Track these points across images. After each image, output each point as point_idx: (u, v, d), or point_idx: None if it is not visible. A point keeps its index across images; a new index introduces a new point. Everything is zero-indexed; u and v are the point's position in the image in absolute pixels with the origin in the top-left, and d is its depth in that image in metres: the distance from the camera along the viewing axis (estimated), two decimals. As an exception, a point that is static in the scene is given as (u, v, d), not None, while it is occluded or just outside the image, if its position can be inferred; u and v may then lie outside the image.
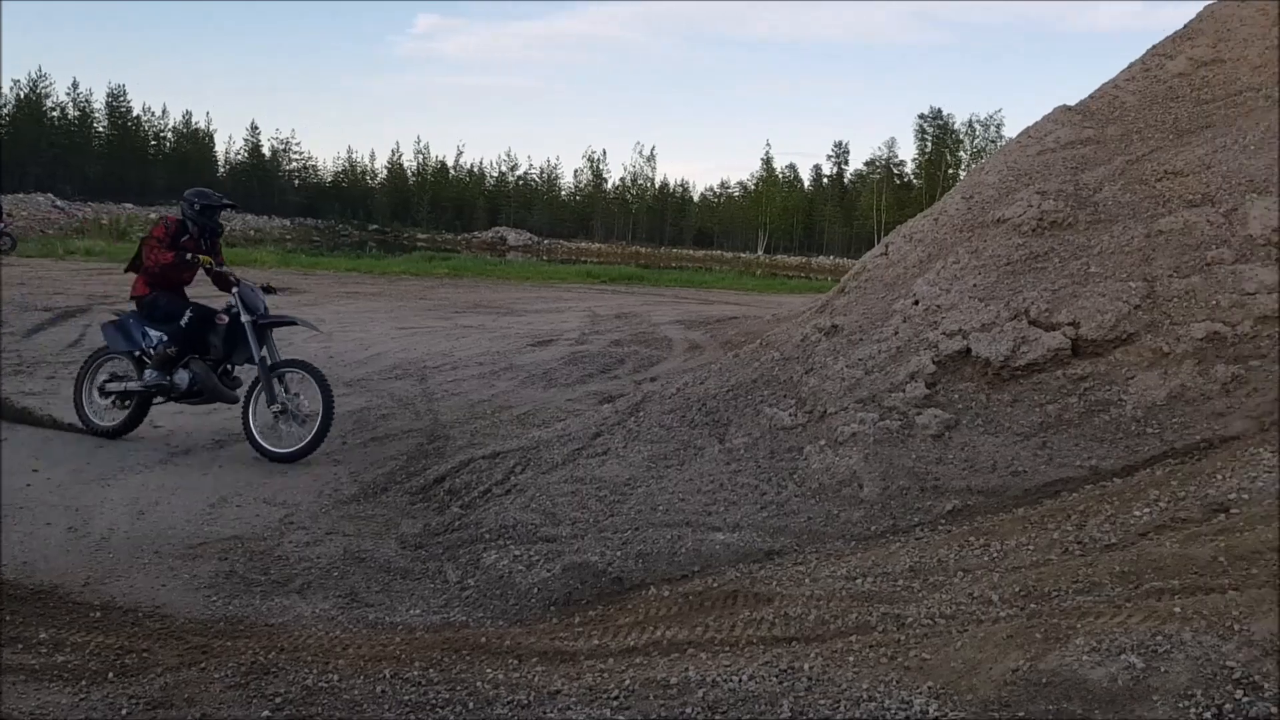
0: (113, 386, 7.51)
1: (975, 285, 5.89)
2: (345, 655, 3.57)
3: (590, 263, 43.71)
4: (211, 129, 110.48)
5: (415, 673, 3.35)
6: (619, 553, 4.66)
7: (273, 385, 7.02)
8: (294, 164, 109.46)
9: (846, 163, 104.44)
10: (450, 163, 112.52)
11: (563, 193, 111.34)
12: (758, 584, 4.10)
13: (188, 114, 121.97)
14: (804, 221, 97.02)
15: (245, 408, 7.11)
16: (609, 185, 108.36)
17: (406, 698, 3.18)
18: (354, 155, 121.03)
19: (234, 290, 7.24)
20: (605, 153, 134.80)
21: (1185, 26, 8.55)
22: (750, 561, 4.46)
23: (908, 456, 4.95)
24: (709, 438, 5.75)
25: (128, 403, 7.42)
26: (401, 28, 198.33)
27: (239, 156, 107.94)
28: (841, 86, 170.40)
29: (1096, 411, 4.90)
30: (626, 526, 4.94)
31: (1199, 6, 8.79)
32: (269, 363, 7.06)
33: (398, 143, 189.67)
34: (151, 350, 7.27)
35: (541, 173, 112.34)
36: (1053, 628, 2.98)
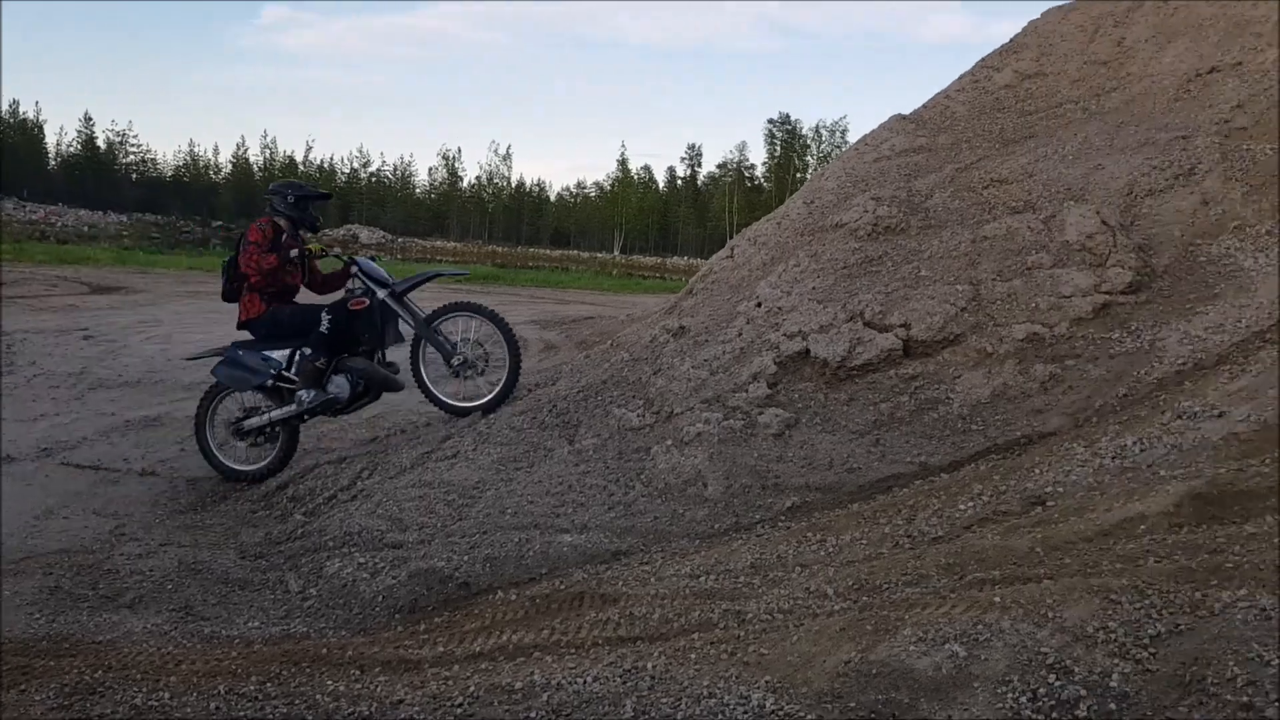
0: (253, 423, 6.79)
1: (814, 288, 6.08)
2: (177, 672, 3.43)
3: (446, 261, 43.18)
4: (41, 119, 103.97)
5: (252, 688, 3.25)
6: (466, 557, 4.63)
7: (441, 342, 6.62)
8: (131, 157, 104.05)
9: (700, 165, 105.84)
10: (299, 158, 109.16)
11: (417, 191, 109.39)
12: (604, 585, 4.13)
13: (15, 103, 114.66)
14: (659, 222, 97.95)
15: (417, 372, 6.70)
16: (465, 184, 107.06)
17: (241, 714, 3.08)
18: (196, 149, 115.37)
19: (354, 270, 6.71)
20: (460, 151, 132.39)
21: (1011, 41, 9.03)
22: (597, 562, 4.49)
23: (750, 455, 5.07)
24: (559, 439, 5.76)
25: (273, 434, 6.78)
26: (247, 19, 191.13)
27: (71, 149, 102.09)
28: (692, 89, 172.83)
29: (926, 409, 5.13)
30: (474, 530, 4.91)
31: (1025, 21, 9.30)
32: (422, 318, 6.66)
33: (243, 137, 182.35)
34: (287, 373, 6.63)
35: (395, 170, 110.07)
36: (883, 620, 3.10)
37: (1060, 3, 9.34)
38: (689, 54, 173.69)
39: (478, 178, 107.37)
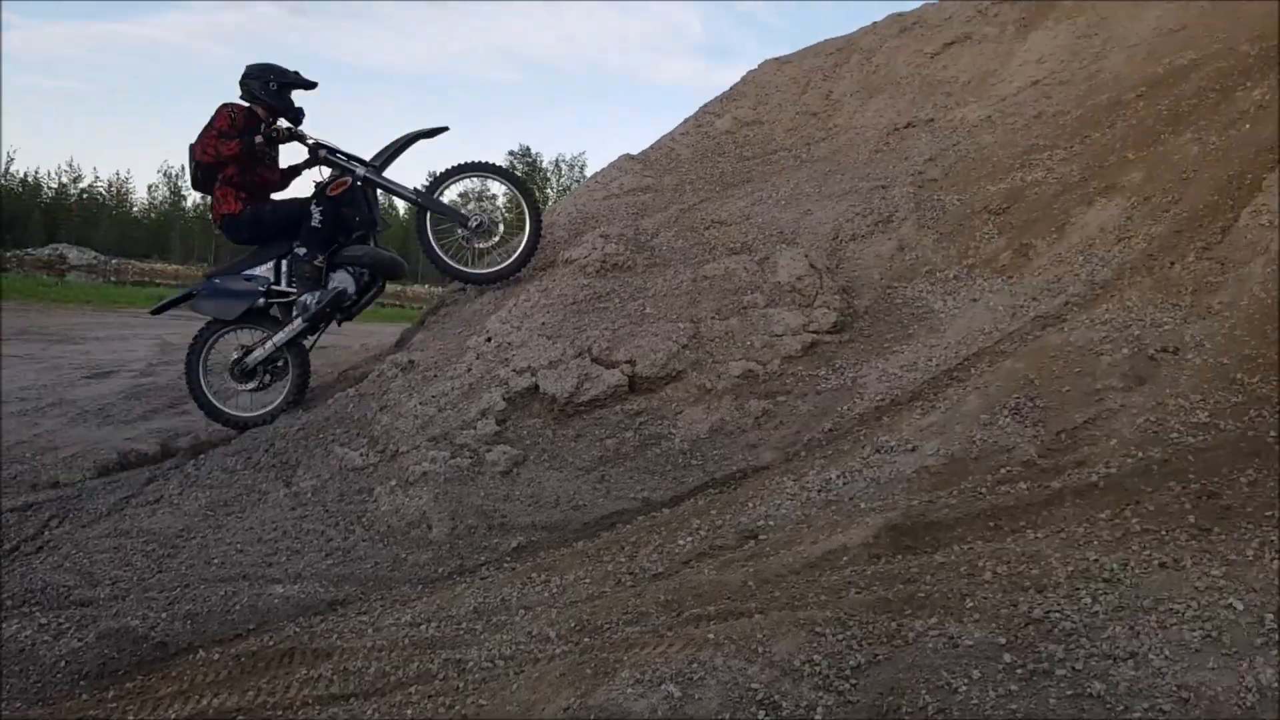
0: (256, 356, 6.21)
1: (544, 323, 6.08)
2: None
3: (165, 285, 40.20)
4: None
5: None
6: (164, 614, 4.26)
7: (449, 209, 6.39)
8: None
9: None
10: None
11: (135, 209, 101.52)
12: (317, 638, 3.91)
13: None
14: (398, 248, 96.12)
15: (428, 246, 6.41)
16: (189, 203, 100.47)
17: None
18: None
19: (323, 152, 6.19)
20: (184, 169, 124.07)
21: (731, 89, 9.48)
22: (312, 614, 4.25)
23: (477, 494, 4.99)
24: (275, 481, 5.43)
25: (283, 365, 6.25)
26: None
27: None
28: (428, 116, 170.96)
29: (650, 445, 5.24)
30: (175, 584, 4.54)
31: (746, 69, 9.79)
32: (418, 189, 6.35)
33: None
34: (278, 285, 6.11)
35: (110, 186, 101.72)
36: (602, 662, 3.09)
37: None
38: (425, 78, 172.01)
39: (204, 197, 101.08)
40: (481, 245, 6.56)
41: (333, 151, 6.40)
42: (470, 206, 6.50)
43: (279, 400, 6.33)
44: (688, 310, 6.00)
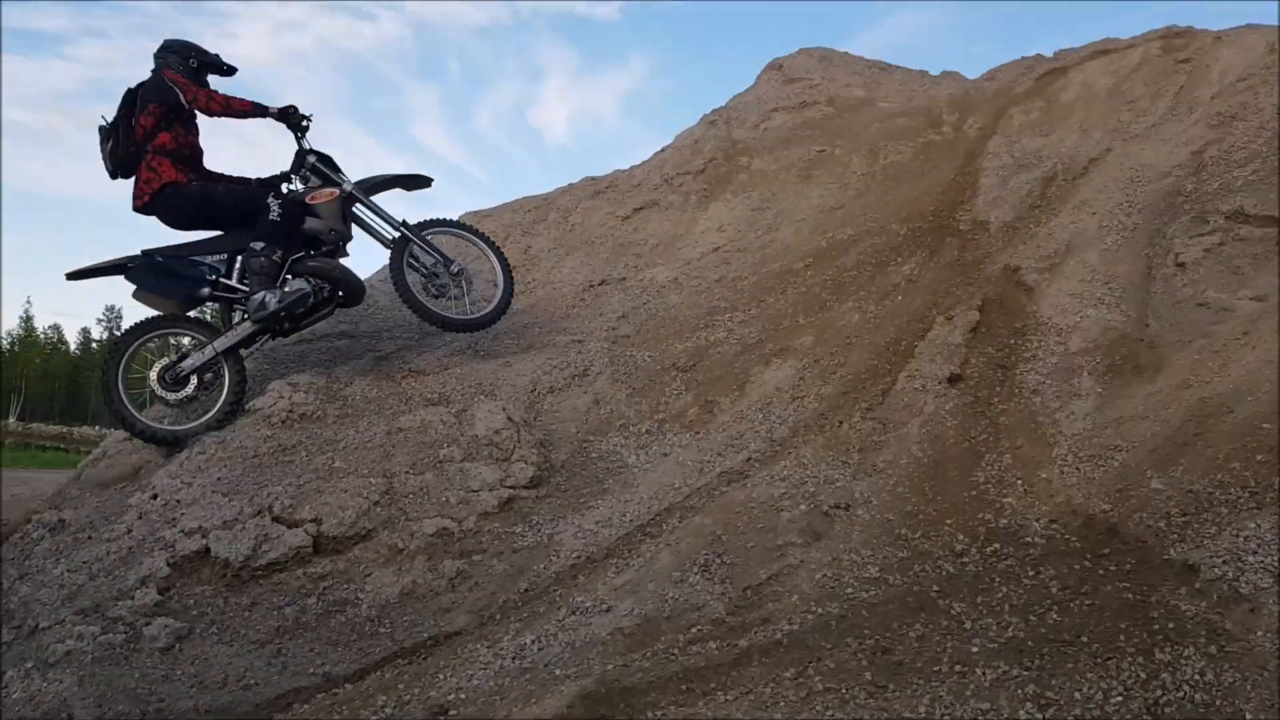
0: (192, 363, 5.77)
1: (220, 478, 5.62)
2: None
3: None
4: None
5: None
6: None
7: (430, 248, 6.47)
8: None
9: (119, 328, 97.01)
10: None
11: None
12: None
13: None
14: (67, 387, 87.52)
15: (400, 281, 6.28)
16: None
17: None
18: None
19: (311, 159, 6.06)
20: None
21: (431, 238, 9.48)
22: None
23: (131, 676, 4.42)
24: (-127, 669, 4.58)
25: (212, 376, 5.86)
26: None
27: None
28: (115, 244, 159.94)
29: (334, 612, 4.88)
30: None
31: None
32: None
33: None
34: (227, 279, 5.71)
35: None
36: None
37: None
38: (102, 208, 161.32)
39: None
40: (454, 293, 6.65)
41: (322, 159, 6.11)
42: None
43: (212, 413, 5.92)
44: (381, 464, 5.76)
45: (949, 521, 4.70)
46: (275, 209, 5.84)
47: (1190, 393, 5.11)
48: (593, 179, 10.15)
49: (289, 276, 5.93)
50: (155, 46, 6.12)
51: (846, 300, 7.15)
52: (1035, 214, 7.53)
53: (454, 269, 6.64)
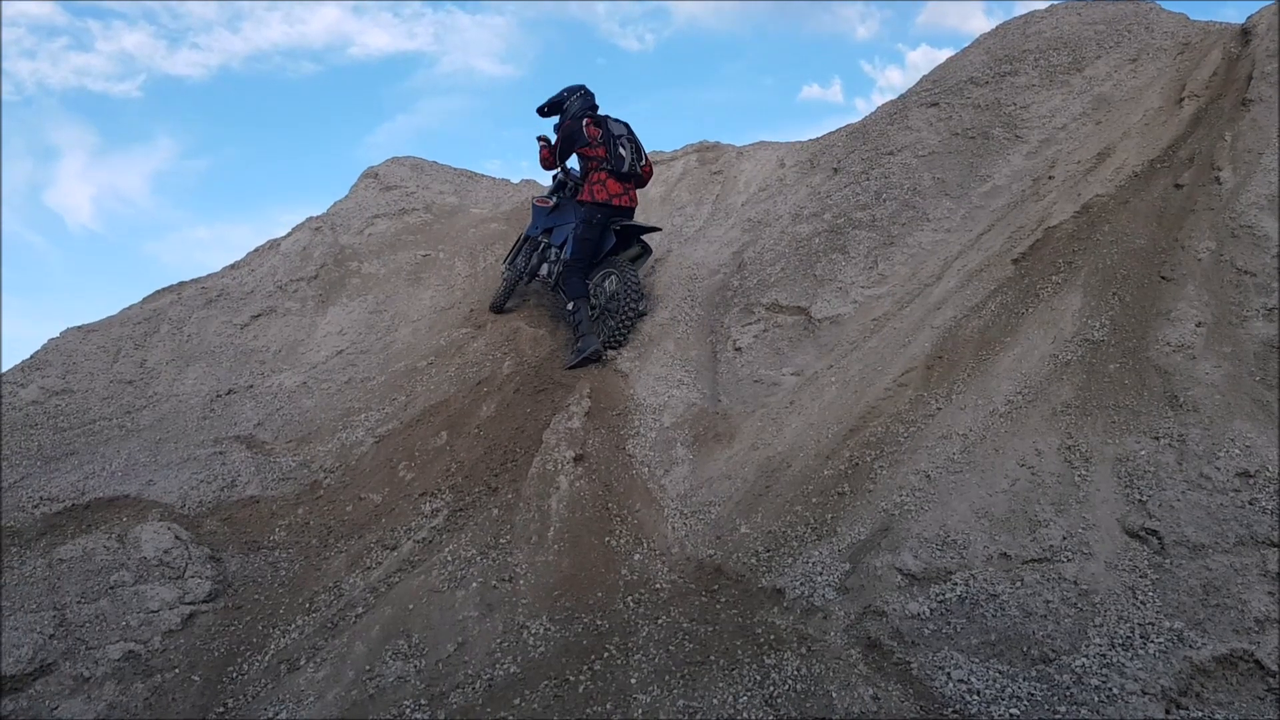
0: None
1: None
2: None
3: None
4: None
5: None
6: None
7: None
8: None
9: None
10: None
11: None
12: None
13: None
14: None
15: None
16: None
17: None
18: None
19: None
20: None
21: (33, 356, 9.11)
22: None
23: None
24: None
25: None
26: None
27: None
28: None
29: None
30: None
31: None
32: None
33: None
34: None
35: None
36: None
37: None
38: None
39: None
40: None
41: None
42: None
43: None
44: (49, 597, 5.78)
45: (594, 580, 5.78)
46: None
47: (758, 453, 6.62)
48: (202, 288, 10.27)
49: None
50: None
51: (479, 393, 8.11)
52: (622, 312, 8.98)
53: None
